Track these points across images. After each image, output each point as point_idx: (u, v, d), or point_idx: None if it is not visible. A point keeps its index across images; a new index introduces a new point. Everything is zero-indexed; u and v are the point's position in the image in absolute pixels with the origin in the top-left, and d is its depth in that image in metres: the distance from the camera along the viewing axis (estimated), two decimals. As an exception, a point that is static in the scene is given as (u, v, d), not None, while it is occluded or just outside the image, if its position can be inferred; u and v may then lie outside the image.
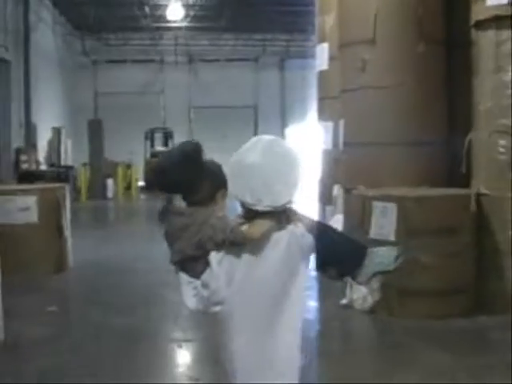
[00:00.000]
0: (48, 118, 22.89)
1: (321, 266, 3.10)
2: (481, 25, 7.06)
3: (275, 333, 2.78)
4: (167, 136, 26.61)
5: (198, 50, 29.40)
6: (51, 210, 9.16)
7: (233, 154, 2.89)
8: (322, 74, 9.48)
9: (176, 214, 2.86)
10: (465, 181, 7.46)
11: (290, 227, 2.83)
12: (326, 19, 9.14)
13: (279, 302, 2.78)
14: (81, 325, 6.63)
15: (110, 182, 21.25)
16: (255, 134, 30.65)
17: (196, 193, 2.83)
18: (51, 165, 21.99)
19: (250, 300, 2.75)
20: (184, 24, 26.08)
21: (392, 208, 6.64)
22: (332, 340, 6.34)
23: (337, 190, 8.75)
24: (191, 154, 2.82)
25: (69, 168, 20.63)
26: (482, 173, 7.16)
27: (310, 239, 2.87)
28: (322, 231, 2.93)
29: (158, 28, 26.90)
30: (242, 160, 2.81)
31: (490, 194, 6.93)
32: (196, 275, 2.75)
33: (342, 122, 8.27)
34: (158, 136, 26.95)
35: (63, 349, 5.73)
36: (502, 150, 6.89)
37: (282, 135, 31.31)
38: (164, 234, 2.93)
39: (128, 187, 22.11)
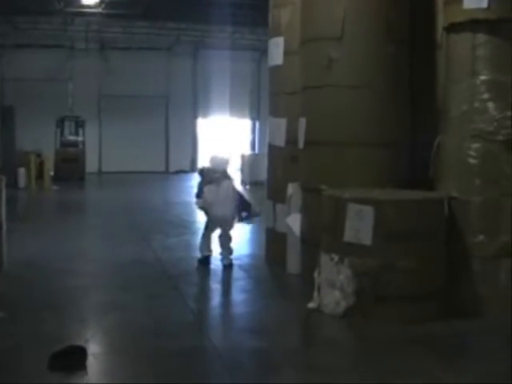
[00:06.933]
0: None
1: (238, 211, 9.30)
2: (455, 27, 6.98)
3: (226, 208, 9.04)
4: (78, 125, 25.68)
5: (111, 37, 28.52)
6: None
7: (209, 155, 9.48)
8: (275, 69, 9.17)
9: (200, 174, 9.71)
10: (425, 183, 7.42)
11: (228, 180, 9.23)
12: (282, 13, 8.88)
13: (226, 202, 9.05)
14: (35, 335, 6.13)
15: (21, 171, 20.34)
16: (166, 124, 30.19)
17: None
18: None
19: (217, 202, 8.99)
20: (98, 10, 25.21)
21: (369, 211, 6.48)
22: (319, 348, 6.10)
23: (292, 189, 8.52)
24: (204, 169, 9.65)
25: (-22, 158, 19.61)
26: (450, 176, 7.10)
27: (236, 185, 9.76)
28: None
29: (70, 13, 25.86)
30: (212, 158, 9.33)
31: (460, 198, 6.89)
32: (200, 196, 9.20)
33: (303, 120, 8.04)
34: (70, 124, 25.96)
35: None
36: (473, 153, 6.85)
37: (193, 126, 30.95)
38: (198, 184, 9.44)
39: (40, 176, 21.20)
